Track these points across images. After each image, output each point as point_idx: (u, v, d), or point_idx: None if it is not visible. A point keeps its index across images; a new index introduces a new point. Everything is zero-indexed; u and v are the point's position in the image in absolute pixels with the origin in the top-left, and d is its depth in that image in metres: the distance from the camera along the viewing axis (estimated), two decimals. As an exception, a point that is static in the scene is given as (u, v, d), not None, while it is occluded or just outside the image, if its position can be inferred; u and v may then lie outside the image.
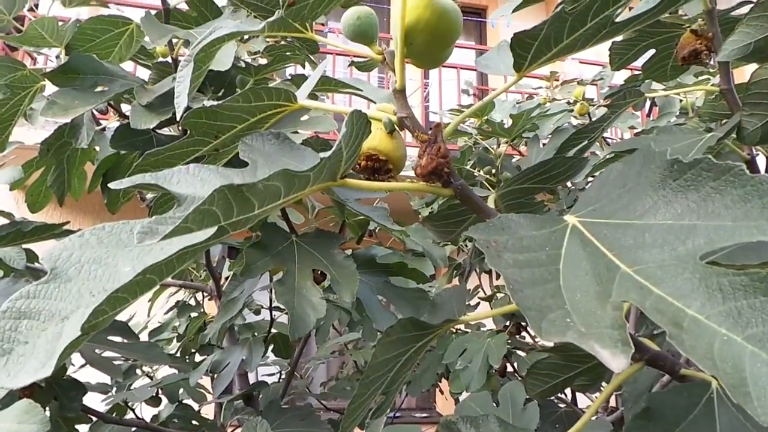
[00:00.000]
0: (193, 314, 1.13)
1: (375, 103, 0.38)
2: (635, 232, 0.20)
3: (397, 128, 0.30)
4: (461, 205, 0.30)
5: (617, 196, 0.22)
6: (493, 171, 1.14)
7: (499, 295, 1.26)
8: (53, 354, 0.15)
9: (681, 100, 1.02)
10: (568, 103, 1.14)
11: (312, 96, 0.34)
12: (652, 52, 0.57)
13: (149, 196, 0.82)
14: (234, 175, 0.24)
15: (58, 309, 0.17)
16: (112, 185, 0.20)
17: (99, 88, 0.57)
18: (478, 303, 1.35)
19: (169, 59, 0.61)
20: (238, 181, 0.21)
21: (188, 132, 0.28)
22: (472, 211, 0.29)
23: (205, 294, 1.06)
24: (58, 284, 0.17)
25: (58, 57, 0.60)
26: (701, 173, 0.19)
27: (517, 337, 1.09)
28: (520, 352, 1.08)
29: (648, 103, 1.18)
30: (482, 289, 1.32)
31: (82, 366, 0.76)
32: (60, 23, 0.59)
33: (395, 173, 0.31)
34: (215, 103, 0.27)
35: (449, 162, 0.28)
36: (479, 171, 1.19)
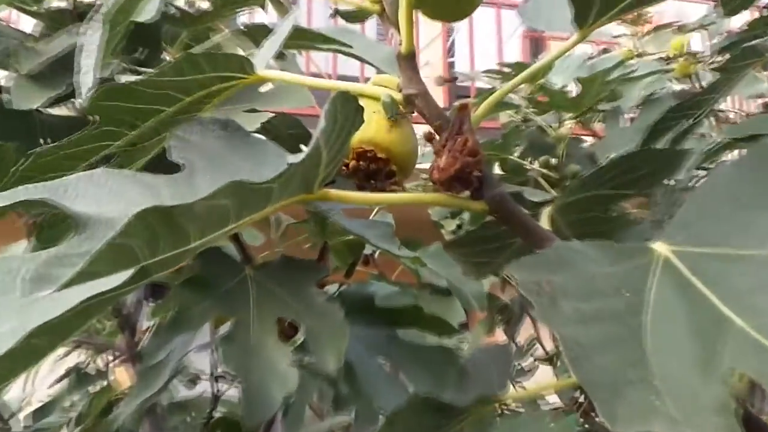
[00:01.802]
0: (95, 387, 1.10)
1: (370, 64, 0.40)
2: (757, 269, 0.21)
3: (403, 111, 0.31)
4: (501, 224, 0.31)
5: (729, 213, 0.23)
6: (553, 162, 1.14)
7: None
8: None
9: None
10: (664, 59, 1.16)
11: (279, 57, 0.35)
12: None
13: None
14: (161, 185, 0.25)
15: None
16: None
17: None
18: (535, 365, 1.35)
19: (66, 3, 0.62)
20: (168, 199, 0.22)
21: (94, 120, 0.29)
22: (516, 234, 0.30)
23: (114, 355, 1.05)
24: None
25: None
26: None
27: (596, 419, 1.09)
28: (599, 442, 1.08)
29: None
30: (541, 343, 1.32)
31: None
32: None
33: (401, 177, 0.31)
34: (133, 78, 0.28)
35: (481, 161, 0.29)
36: (532, 163, 1.20)
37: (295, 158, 0.22)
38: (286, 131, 0.64)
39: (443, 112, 0.30)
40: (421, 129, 0.32)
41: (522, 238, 0.30)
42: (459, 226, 1.52)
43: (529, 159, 1.20)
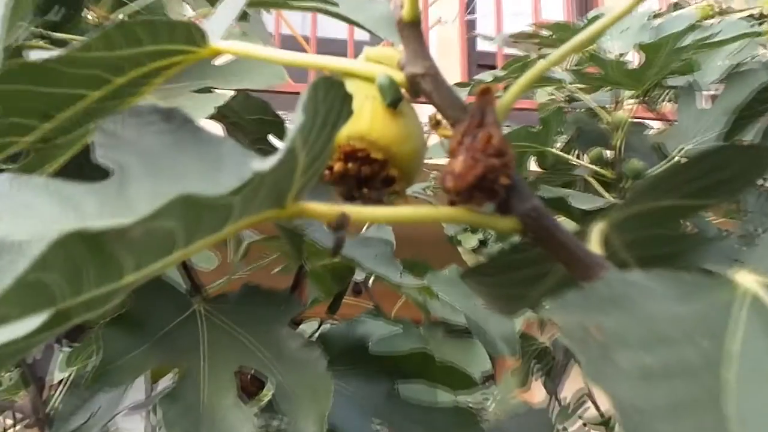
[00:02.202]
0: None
1: (363, 28, 0.40)
2: None
3: (407, 96, 0.32)
4: (536, 245, 0.31)
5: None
6: (608, 156, 1.15)
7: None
8: None
9: None
10: (755, 17, 1.17)
11: (240, 17, 0.35)
12: None
13: None
14: (84, 197, 0.25)
15: None
16: None
17: None
18: (585, 431, 1.35)
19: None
20: (94, 217, 0.22)
21: (-7, 109, 0.30)
22: (556, 259, 0.31)
23: (14, 419, 1.03)
24: None
25: None
26: None
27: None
28: None
29: None
30: (593, 400, 1.32)
31: None
32: None
33: (403, 184, 0.32)
34: (46, 54, 0.28)
35: (510, 164, 0.29)
36: (579, 157, 1.20)
37: (262, 163, 0.22)
38: (250, 117, 0.65)
39: (459, 99, 0.31)
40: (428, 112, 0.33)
41: (564, 266, 0.31)
42: (482, 243, 1.53)
43: (576, 152, 1.20)
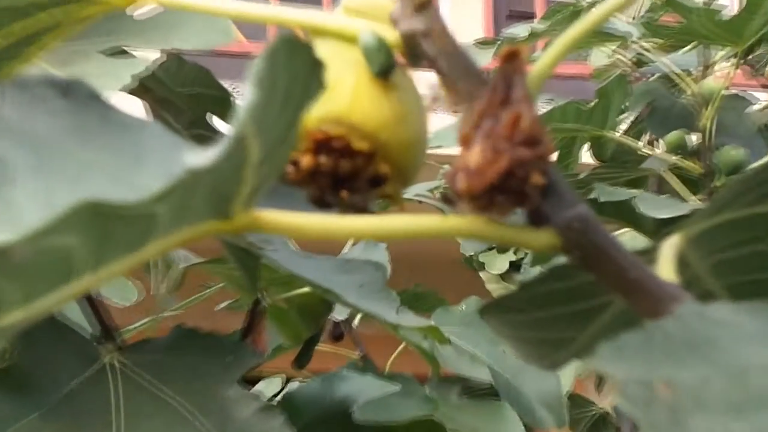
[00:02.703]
0: None
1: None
2: None
3: (402, 63, 0.33)
4: (584, 270, 0.32)
5: None
6: (693, 143, 1.15)
7: None
8: None
9: None
10: None
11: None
12: None
13: None
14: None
15: None
16: None
17: None
18: None
19: None
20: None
21: None
22: (612, 288, 0.31)
23: None
24: None
25: None
26: None
27: None
28: None
29: None
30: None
31: None
32: None
33: (397, 185, 0.33)
34: None
35: (546, 155, 0.30)
36: (652, 144, 1.20)
37: (199, 155, 0.23)
38: (183, 91, 0.65)
39: (475, 67, 0.31)
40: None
41: (624, 297, 0.32)
42: (513, 266, 1.53)
43: (647, 137, 1.21)
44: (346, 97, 0.31)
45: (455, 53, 0.32)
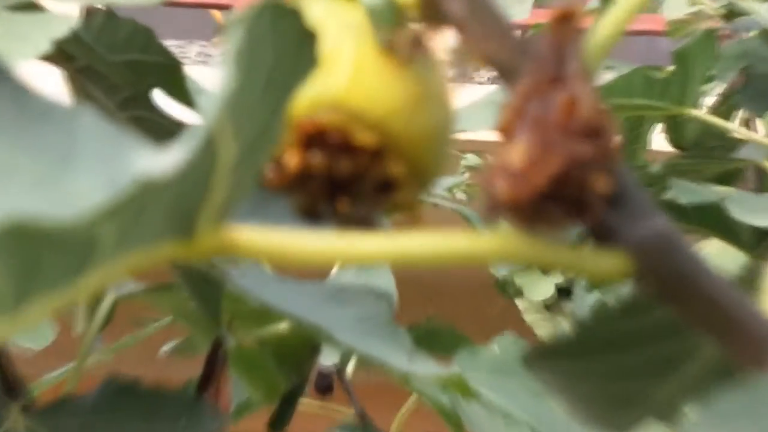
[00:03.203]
0: None
1: None
2: None
3: (418, 28, 0.33)
4: (664, 303, 0.32)
5: None
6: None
7: None
8: None
9: None
10: None
11: None
12: None
13: None
14: None
15: None
16: None
17: None
18: None
19: None
20: None
21: None
22: (702, 328, 0.32)
23: None
24: None
25: None
26: None
27: None
28: None
29: None
30: None
31: None
32: None
33: (413, 190, 0.33)
34: None
35: (612, 150, 0.31)
36: (747, 123, 1.21)
37: (155, 158, 0.23)
38: (115, 59, 0.66)
39: (513, 32, 0.32)
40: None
41: (718, 340, 0.32)
42: (563, 292, 1.53)
43: (742, 114, 1.21)
44: (344, 74, 0.32)
45: (491, 14, 0.32)
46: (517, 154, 0.30)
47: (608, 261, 0.31)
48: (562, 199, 0.30)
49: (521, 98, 0.30)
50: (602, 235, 0.31)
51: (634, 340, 0.38)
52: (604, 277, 0.32)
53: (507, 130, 0.30)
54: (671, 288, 0.31)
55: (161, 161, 0.23)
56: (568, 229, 0.31)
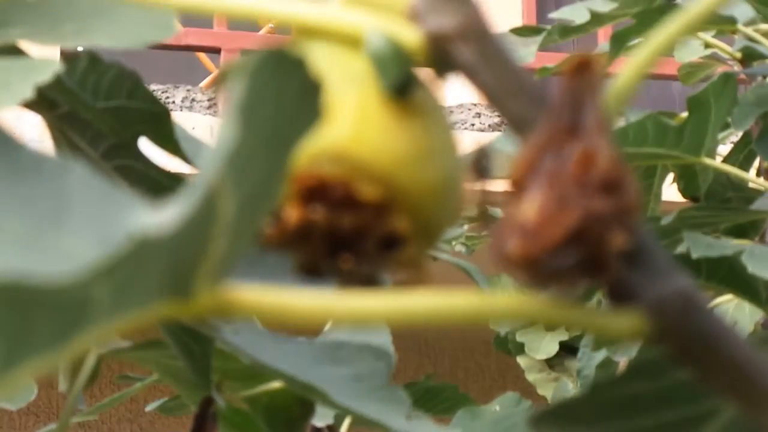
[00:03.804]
0: None
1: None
2: None
3: (426, 76, 0.33)
4: (680, 365, 0.32)
5: None
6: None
7: None
8: None
9: None
10: None
11: None
12: None
13: None
14: None
15: None
16: None
17: None
18: None
19: None
20: None
21: None
22: (720, 391, 0.32)
23: None
24: None
25: None
26: None
27: None
28: None
29: None
30: None
31: None
32: None
33: (421, 245, 0.33)
34: None
35: (631, 205, 0.31)
36: (763, 170, 1.21)
37: (152, 215, 0.23)
38: (100, 105, 0.66)
39: (532, 81, 0.32)
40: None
41: (738, 403, 0.32)
42: (568, 349, 1.52)
43: (761, 163, 1.21)
44: (347, 124, 0.32)
45: (504, 62, 0.32)
46: (531, 208, 0.30)
47: (625, 322, 0.31)
48: (579, 256, 0.30)
49: (535, 150, 0.31)
50: (619, 294, 0.31)
51: (651, 403, 0.38)
52: (618, 338, 0.32)
53: (519, 183, 0.30)
54: (692, 350, 0.31)
55: (158, 219, 0.23)
56: (580, 287, 0.31)
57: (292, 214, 0.31)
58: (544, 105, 0.32)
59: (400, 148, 0.32)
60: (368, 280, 0.33)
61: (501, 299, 0.31)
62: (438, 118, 0.34)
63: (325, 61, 0.31)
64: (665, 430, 0.39)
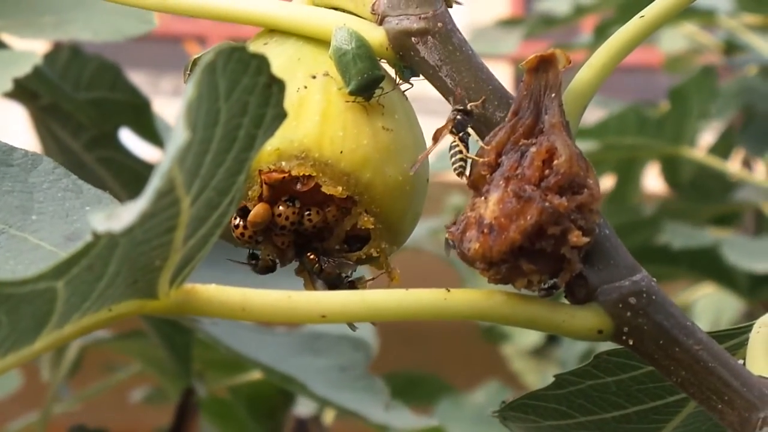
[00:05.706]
0: None
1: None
2: None
3: (391, 76, 0.33)
4: (644, 360, 0.33)
5: None
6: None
7: None
8: None
9: None
10: None
11: None
12: None
13: None
14: None
15: None
16: None
17: None
18: None
19: None
20: None
21: None
22: (681, 388, 0.32)
23: None
24: None
25: None
26: None
27: None
28: None
29: None
30: None
31: None
32: None
33: (386, 243, 0.33)
34: None
35: (592, 203, 0.31)
36: (746, 162, 1.20)
37: (111, 214, 0.23)
38: (82, 97, 0.65)
39: (492, 78, 0.32)
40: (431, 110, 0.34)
41: (699, 402, 0.32)
42: (555, 338, 1.51)
43: (741, 154, 1.21)
44: (312, 122, 0.32)
45: (466, 61, 0.32)
46: (491, 208, 0.29)
47: (585, 319, 0.31)
48: (537, 254, 0.30)
49: (496, 149, 0.31)
50: (579, 292, 0.31)
51: (616, 397, 0.38)
52: (581, 336, 0.32)
53: (478, 182, 0.30)
54: (651, 347, 0.31)
55: (117, 215, 0.23)
56: (544, 285, 0.31)
57: (257, 211, 0.31)
58: (506, 103, 0.32)
59: (364, 146, 0.32)
60: (334, 277, 0.33)
61: (464, 297, 0.31)
62: (404, 116, 0.34)
63: (289, 60, 0.31)
64: (629, 423, 0.39)
